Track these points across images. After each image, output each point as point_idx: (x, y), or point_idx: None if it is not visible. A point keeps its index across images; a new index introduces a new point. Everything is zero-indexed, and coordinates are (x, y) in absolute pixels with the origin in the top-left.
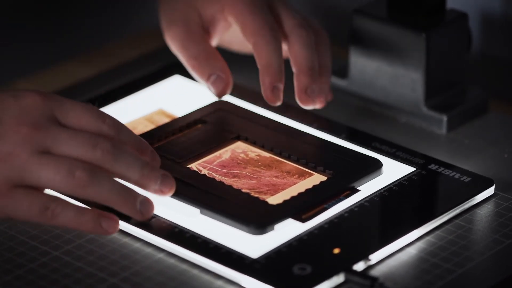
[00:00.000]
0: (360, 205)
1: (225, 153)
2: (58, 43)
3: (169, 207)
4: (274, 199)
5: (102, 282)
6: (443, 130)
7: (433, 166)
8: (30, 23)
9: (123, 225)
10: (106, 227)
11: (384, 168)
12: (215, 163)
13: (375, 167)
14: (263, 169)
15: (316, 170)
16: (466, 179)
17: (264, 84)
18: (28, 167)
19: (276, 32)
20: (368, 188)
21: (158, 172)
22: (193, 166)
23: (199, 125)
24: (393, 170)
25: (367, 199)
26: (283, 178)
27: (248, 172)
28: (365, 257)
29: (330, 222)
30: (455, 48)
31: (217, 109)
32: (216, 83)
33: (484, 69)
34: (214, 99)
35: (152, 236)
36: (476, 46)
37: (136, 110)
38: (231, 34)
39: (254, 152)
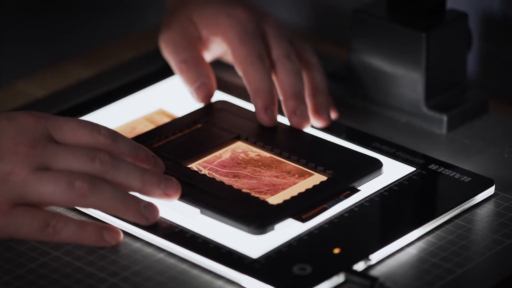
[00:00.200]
0: (360, 205)
1: (225, 153)
2: (58, 43)
3: (169, 207)
4: (274, 199)
5: (102, 282)
6: (443, 130)
7: (433, 166)
8: (30, 23)
9: (123, 225)
10: (109, 239)
11: (384, 168)
12: (215, 163)
13: (375, 167)
14: (263, 169)
15: (316, 170)
16: (466, 179)
17: (257, 107)
18: (29, 183)
19: (264, 59)
20: (368, 188)
21: (160, 176)
22: (193, 166)
23: (199, 125)
24: (393, 170)
25: (367, 199)
26: (283, 178)
27: (248, 172)
28: (365, 257)
29: (330, 222)
30: (455, 48)
31: (217, 109)
32: (200, 90)
33: (484, 69)
34: (214, 99)
35: (152, 236)
36: (476, 46)
37: (136, 110)
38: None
39: (254, 152)
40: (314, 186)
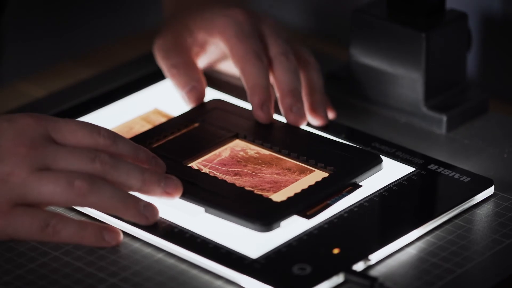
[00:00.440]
0: (359, 205)
1: (224, 151)
2: (58, 43)
3: (173, 206)
4: (278, 196)
5: (102, 282)
6: (443, 130)
7: (432, 166)
8: (30, 24)
9: (123, 226)
10: (109, 240)
11: (384, 167)
12: (215, 161)
13: (375, 162)
14: (263, 167)
15: (317, 167)
16: (465, 179)
17: (254, 104)
18: (29, 184)
19: (261, 57)
20: (368, 188)
21: (160, 175)
22: (194, 165)
23: (196, 124)
24: (393, 170)
25: (367, 199)
26: (285, 175)
27: (249, 170)
28: (364, 257)
29: (330, 222)
30: (455, 48)
31: (213, 108)
32: (192, 93)
33: (484, 69)
34: (210, 97)
35: (151, 236)
36: (476, 46)
37: (131, 110)
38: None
39: (253, 150)
40: (317, 183)
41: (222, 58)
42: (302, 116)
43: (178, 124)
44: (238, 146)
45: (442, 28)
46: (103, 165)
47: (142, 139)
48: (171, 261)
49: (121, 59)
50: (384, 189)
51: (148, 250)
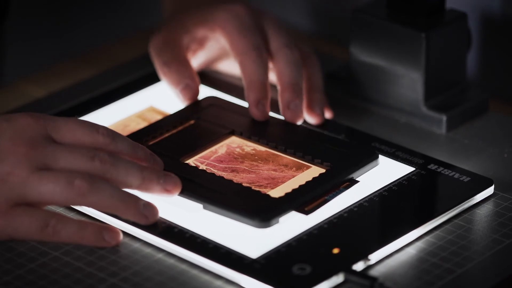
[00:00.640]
0: (359, 205)
1: (220, 148)
2: (58, 43)
3: (171, 203)
4: (276, 192)
5: (102, 282)
6: (443, 130)
7: (432, 166)
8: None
9: (123, 226)
10: (109, 239)
11: (383, 167)
12: (212, 158)
13: (371, 157)
14: (260, 163)
15: (314, 163)
16: (465, 179)
17: (249, 100)
18: (28, 183)
19: (262, 52)
20: (368, 188)
21: (159, 172)
22: (191, 162)
23: (192, 121)
24: (393, 170)
25: (367, 199)
26: (281, 172)
27: (246, 167)
28: (364, 257)
29: (330, 222)
30: (455, 48)
31: (209, 105)
32: (185, 91)
33: (484, 69)
34: (204, 95)
35: (151, 236)
36: (476, 46)
37: (126, 107)
38: (230, 64)
39: (249, 146)
40: (314, 179)
41: (221, 55)
42: (299, 113)
43: (173, 122)
44: (234, 143)
45: (442, 28)
46: (103, 164)
47: (138, 136)
48: (171, 261)
49: (121, 59)
50: (384, 189)
51: (148, 250)
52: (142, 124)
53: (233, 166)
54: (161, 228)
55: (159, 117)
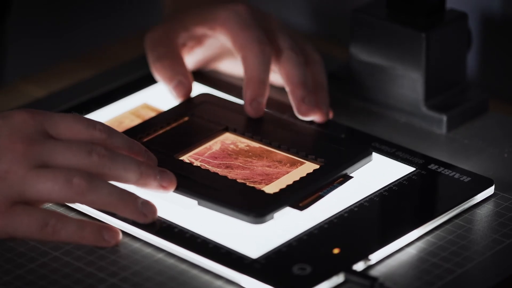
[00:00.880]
0: (360, 205)
1: (215, 145)
2: (58, 43)
3: (166, 200)
4: (270, 188)
5: (102, 282)
6: (443, 130)
7: (432, 166)
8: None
9: (122, 225)
10: (109, 239)
11: (384, 167)
12: (206, 154)
13: (365, 153)
14: (254, 159)
15: (308, 159)
16: (466, 179)
17: (245, 97)
18: (27, 181)
19: (265, 46)
20: (368, 188)
21: (155, 168)
22: (185, 158)
23: (186, 118)
24: (393, 170)
25: (367, 199)
26: (276, 168)
27: (240, 163)
28: (365, 257)
29: (330, 222)
30: (455, 48)
31: (202, 102)
32: (178, 88)
33: (484, 69)
34: (198, 92)
35: (151, 236)
36: (476, 46)
37: (120, 104)
38: (229, 63)
39: (243, 143)
40: (308, 175)
41: (220, 54)
42: (314, 108)
43: (167, 118)
44: (228, 139)
45: (442, 28)
46: (101, 158)
47: (132, 133)
48: (171, 261)
49: (121, 59)
50: (384, 189)
51: (148, 250)
52: (136, 121)
53: (227, 162)
54: (161, 228)
55: (153, 114)
